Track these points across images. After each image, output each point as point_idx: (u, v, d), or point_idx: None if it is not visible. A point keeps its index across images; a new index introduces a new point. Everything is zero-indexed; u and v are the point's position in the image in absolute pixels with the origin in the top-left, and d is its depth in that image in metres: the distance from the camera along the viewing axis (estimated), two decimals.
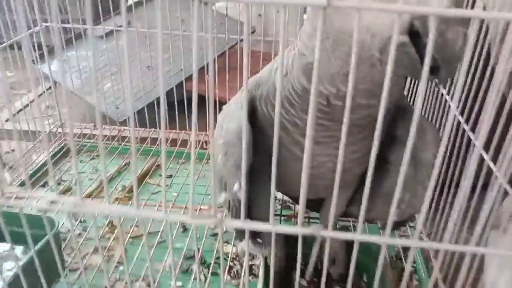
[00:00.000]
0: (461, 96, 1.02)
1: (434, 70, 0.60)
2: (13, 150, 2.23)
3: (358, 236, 0.64)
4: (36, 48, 1.84)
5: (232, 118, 0.84)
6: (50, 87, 2.22)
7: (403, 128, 0.85)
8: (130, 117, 0.54)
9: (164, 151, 0.55)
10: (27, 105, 2.07)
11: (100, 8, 1.75)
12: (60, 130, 1.81)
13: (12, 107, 2.02)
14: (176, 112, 1.72)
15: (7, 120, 2.17)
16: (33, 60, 2.43)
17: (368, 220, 0.99)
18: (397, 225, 0.92)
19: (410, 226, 1.34)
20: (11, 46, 1.53)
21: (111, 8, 2.39)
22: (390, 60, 0.45)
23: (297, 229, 0.63)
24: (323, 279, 0.62)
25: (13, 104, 2.11)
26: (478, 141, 0.70)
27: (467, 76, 1.00)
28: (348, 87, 0.48)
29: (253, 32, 2.61)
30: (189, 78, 2.19)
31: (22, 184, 1.49)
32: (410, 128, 0.61)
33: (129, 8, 2.84)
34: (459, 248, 0.70)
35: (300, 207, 0.62)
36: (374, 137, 0.79)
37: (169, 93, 1.76)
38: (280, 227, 0.64)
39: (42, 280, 0.79)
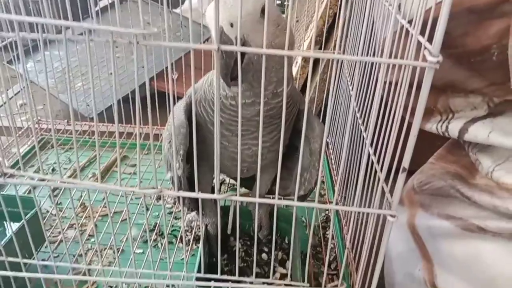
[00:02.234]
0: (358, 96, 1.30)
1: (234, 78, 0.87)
2: None
3: (276, 201, 0.92)
4: (14, 47, 1.99)
5: (176, 116, 1.10)
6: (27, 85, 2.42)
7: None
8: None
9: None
10: (5, 103, 2.27)
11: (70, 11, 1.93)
12: (36, 125, 2.03)
13: None
14: (140, 109, 1.96)
15: None
16: (10, 60, 2.63)
17: (286, 194, 1.27)
18: (303, 198, 1.20)
19: (329, 202, 1.64)
20: None
21: (79, 12, 2.57)
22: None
23: (216, 195, 0.90)
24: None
25: None
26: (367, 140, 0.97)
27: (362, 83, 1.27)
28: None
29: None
30: (151, 78, 2.43)
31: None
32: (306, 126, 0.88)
33: (102, 11, 3.04)
34: (344, 208, 0.99)
35: (216, 180, 0.89)
36: (279, 131, 1.07)
37: (133, 91, 1.99)
38: (202, 194, 0.91)
39: (30, 240, 1.04)
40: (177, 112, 1.11)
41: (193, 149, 1.06)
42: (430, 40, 0.72)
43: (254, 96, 0.96)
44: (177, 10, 3.41)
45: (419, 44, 0.75)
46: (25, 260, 1.07)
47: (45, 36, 0.77)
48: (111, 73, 2.67)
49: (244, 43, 0.84)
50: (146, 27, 0.72)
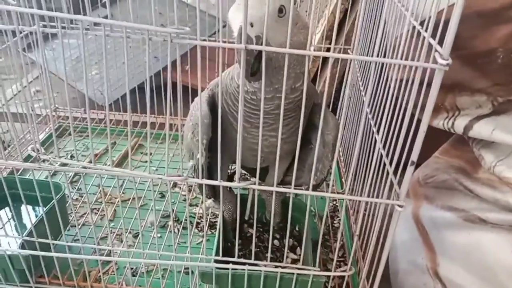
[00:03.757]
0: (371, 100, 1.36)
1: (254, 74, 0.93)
2: (7, 131, 2.50)
3: (292, 190, 0.99)
4: (29, 35, 2.01)
5: (199, 108, 1.17)
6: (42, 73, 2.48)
7: (319, 120, 1.19)
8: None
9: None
10: (21, 90, 2.34)
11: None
12: (54, 113, 2.10)
13: (4, 92, 2.28)
14: (155, 98, 2.00)
15: (3, 105, 2.43)
16: (24, 48, 2.70)
17: (298, 185, 1.33)
18: (315, 187, 1.26)
19: (338, 193, 1.71)
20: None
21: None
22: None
23: (236, 184, 0.97)
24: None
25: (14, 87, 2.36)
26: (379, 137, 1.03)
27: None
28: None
29: (224, 26, 2.91)
30: (165, 68, 2.49)
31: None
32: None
33: (113, 0, 3.09)
34: (355, 198, 1.06)
35: (237, 169, 0.96)
36: (295, 123, 1.13)
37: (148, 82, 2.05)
38: (224, 182, 0.98)
39: (60, 220, 1.12)
40: (200, 104, 1.17)
41: (213, 139, 1.13)
42: (441, 41, 0.77)
43: (273, 91, 1.03)
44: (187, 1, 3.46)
45: (430, 44, 0.81)
46: (54, 241, 1.15)
47: (86, 32, 0.84)
48: (123, 63, 2.74)
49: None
50: (179, 26, 0.79)
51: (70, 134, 2.05)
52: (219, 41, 0.81)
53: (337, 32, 2.03)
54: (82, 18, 0.81)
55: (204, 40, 1.22)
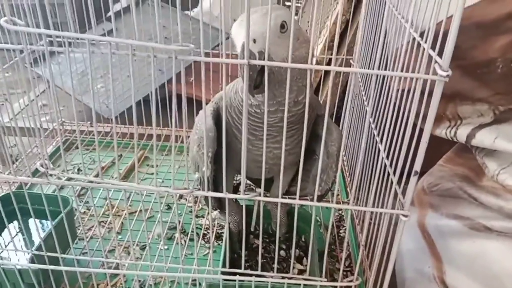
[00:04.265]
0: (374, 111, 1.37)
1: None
2: (15, 145, 2.53)
3: (297, 201, 1.00)
4: (35, 50, 2.04)
5: (204, 121, 1.18)
6: (48, 87, 2.51)
7: (322, 130, 1.20)
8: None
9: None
10: (28, 104, 2.37)
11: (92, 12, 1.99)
12: (61, 127, 2.12)
13: (12, 106, 2.31)
14: (160, 111, 2.01)
15: (11, 119, 2.46)
16: (31, 63, 2.73)
17: (303, 195, 1.34)
18: (319, 198, 1.27)
19: (343, 202, 1.72)
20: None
21: (103, 12, 2.63)
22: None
23: (242, 196, 0.98)
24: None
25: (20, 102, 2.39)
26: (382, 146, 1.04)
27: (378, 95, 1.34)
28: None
29: (227, 38, 2.94)
30: (169, 81, 2.52)
31: (35, 172, 1.80)
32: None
33: (117, 14, 3.13)
34: (360, 208, 1.07)
35: (242, 181, 0.97)
36: (299, 135, 1.15)
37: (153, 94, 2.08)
38: (230, 195, 0.99)
39: (68, 234, 1.13)
40: (205, 117, 1.19)
41: (218, 151, 1.15)
42: (440, 52, 0.78)
43: (276, 104, 1.05)
44: (190, 13, 3.50)
45: (430, 55, 0.82)
46: (63, 255, 1.16)
47: (92, 50, 0.86)
48: (128, 76, 2.77)
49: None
50: (183, 43, 0.81)
51: (77, 148, 2.08)
52: (222, 55, 0.83)
53: (339, 42, 2.06)
54: (88, 37, 0.83)
55: (208, 54, 1.24)
